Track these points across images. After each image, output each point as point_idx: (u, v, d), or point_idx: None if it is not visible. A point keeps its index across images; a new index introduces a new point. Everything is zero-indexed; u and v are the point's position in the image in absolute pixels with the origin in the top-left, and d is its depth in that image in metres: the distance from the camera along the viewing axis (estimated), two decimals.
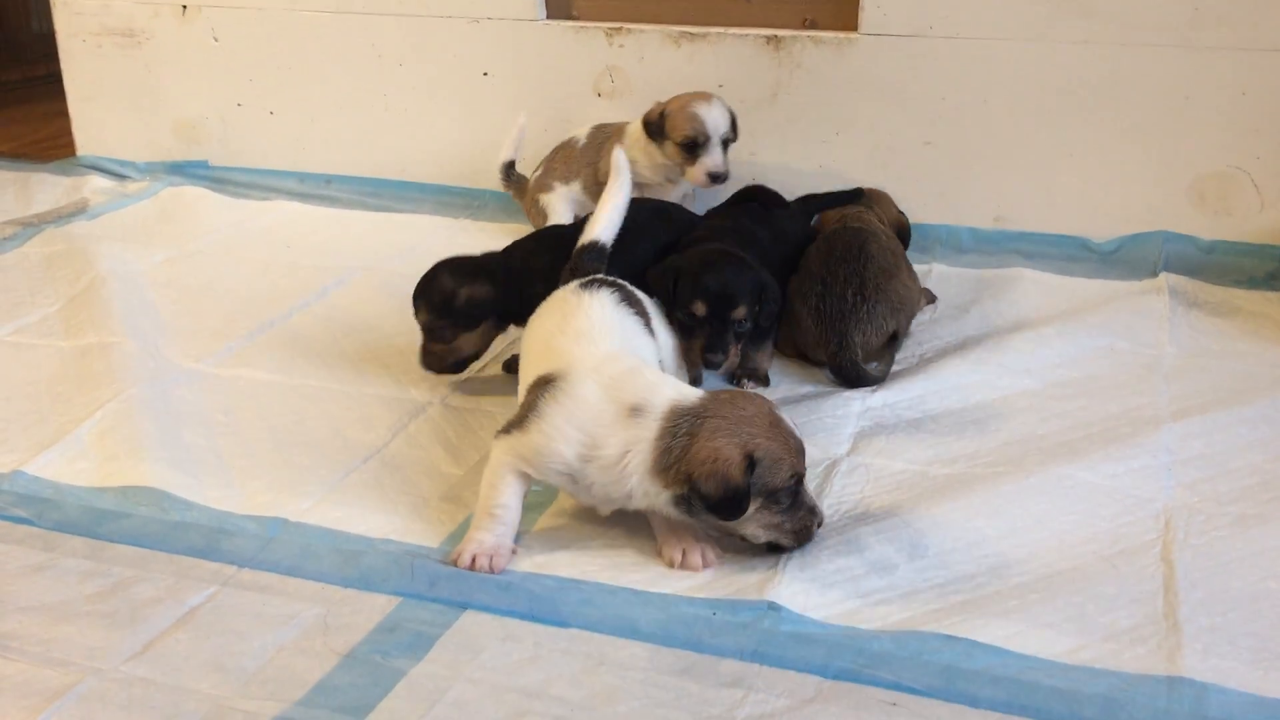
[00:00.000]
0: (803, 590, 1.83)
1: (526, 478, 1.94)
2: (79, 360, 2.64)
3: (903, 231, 2.98)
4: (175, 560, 1.96)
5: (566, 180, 3.29)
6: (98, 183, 3.95)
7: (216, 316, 2.89)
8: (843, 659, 1.69)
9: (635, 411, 1.85)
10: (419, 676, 1.68)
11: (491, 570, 1.88)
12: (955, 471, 2.18)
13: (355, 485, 2.16)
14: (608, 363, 1.95)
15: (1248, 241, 3.13)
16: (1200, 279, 3.01)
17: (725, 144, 3.08)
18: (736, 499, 1.80)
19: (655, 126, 3.12)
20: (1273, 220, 3.10)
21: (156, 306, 2.95)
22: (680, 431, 1.82)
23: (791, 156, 3.38)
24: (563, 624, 1.78)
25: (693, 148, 3.06)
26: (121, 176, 4.01)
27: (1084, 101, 3.15)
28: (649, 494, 1.86)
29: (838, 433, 2.32)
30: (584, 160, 3.29)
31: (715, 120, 3.05)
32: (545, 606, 1.80)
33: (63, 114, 4.22)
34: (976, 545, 1.95)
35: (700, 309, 2.35)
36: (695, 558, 1.90)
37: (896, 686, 1.65)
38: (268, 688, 1.66)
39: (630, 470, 1.84)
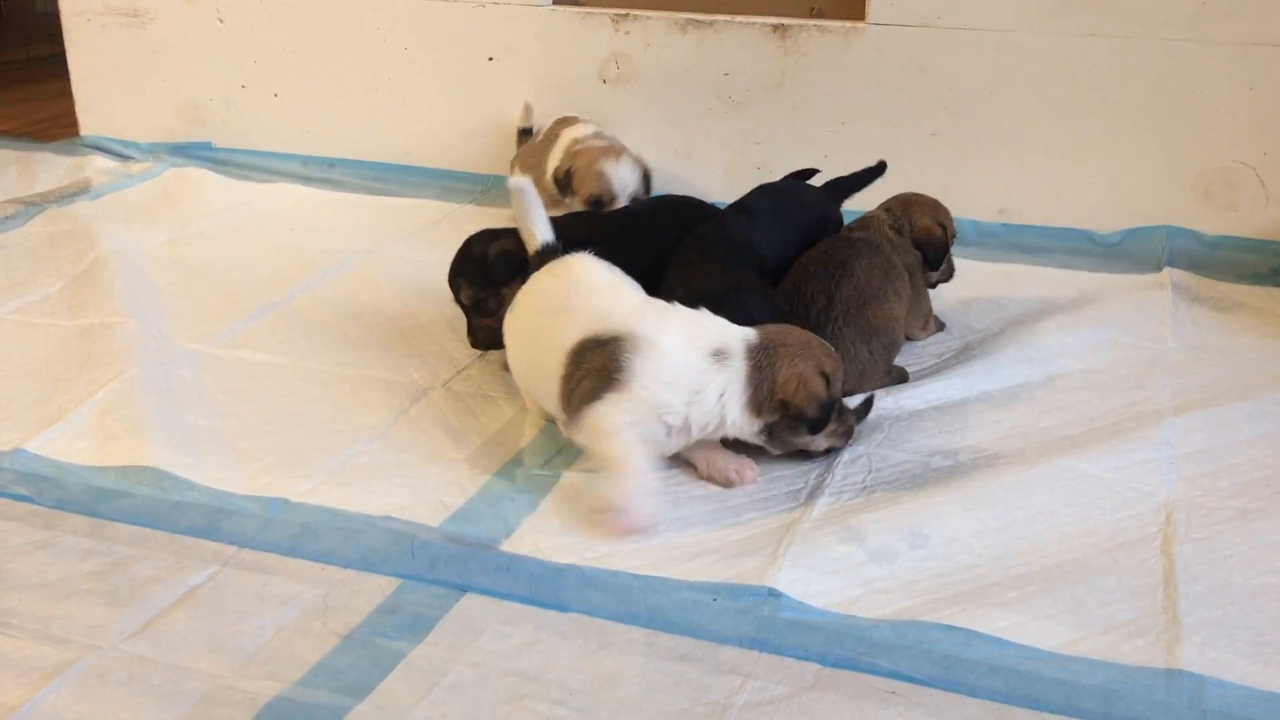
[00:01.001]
0: (803, 577, 1.83)
1: (639, 434, 1.99)
2: (81, 340, 2.64)
3: (929, 246, 2.62)
4: (175, 540, 1.96)
5: (525, 172, 3.18)
6: (101, 163, 3.94)
7: (218, 298, 2.89)
8: (842, 647, 1.69)
9: (719, 355, 2.01)
10: (418, 659, 1.68)
11: (636, 532, 1.96)
12: (957, 463, 2.18)
13: (356, 467, 2.16)
14: (663, 312, 2.07)
15: (1252, 237, 3.13)
16: (1204, 274, 3.01)
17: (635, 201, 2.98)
18: (828, 411, 2.05)
19: (563, 184, 3.03)
20: (1278, 216, 3.10)
21: (158, 287, 2.95)
22: (762, 366, 2.01)
23: (796, 146, 3.37)
24: (562, 608, 1.78)
25: (599, 206, 2.96)
26: (124, 157, 4.00)
27: (1090, 94, 3.14)
28: (742, 427, 2.04)
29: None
30: (540, 155, 3.23)
31: (623, 179, 2.96)
32: (545, 589, 1.81)
33: (66, 94, 4.21)
34: (977, 536, 1.95)
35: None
36: (748, 472, 2.08)
37: (895, 675, 1.65)
38: (267, 668, 1.66)
39: (728, 409, 2.01)
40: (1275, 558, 1.89)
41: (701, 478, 2.12)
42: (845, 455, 2.20)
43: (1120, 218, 3.21)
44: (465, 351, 2.60)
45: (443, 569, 1.85)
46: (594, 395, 1.98)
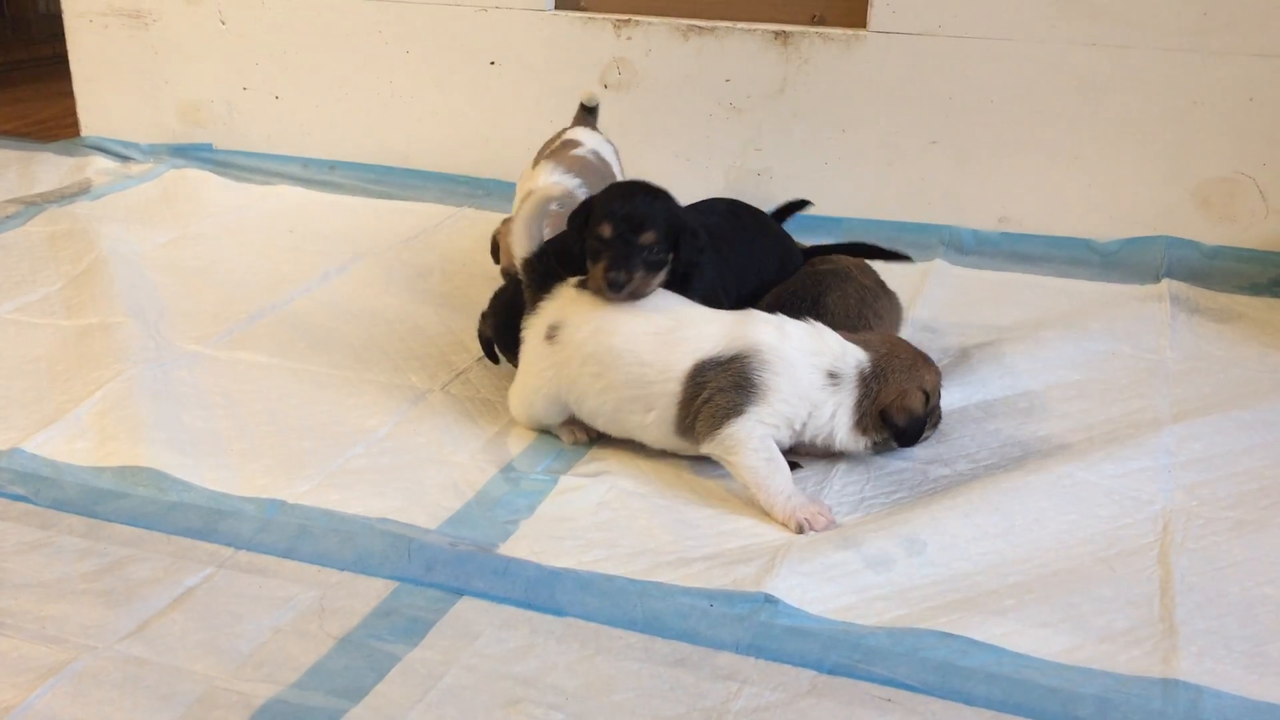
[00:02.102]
0: (800, 584, 1.83)
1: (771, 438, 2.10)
2: (79, 340, 2.64)
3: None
4: (172, 541, 1.95)
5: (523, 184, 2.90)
6: (101, 163, 3.95)
7: (217, 299, 2.89)
8: (838, 654, 1.69)
9: (833, 377, 2.12)
10: (414, 662, 1.68)
11: (831, 522, 2.02)
12: (955, 471, 2.18)
13: (354, 469, 2.16)
14: (778, 326, 2.14)
15: (1251, 248, 3.13)
16: (1203, 284, 3.01)
17: None
18: (919, 427, 2.16)
19: (493, 250, 2.82)
20: (1277, 227, 3.11)
21: (158, 288, 2.95)
22: (871, 389, 2.13)
23: (797, 152, 3.38)
24: (559, 612, 1.78)
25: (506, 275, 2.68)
26: (125, 158, 4.01)
27: (1091, 103, 3.15)
28: (849, 444, 2.15)
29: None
30: (527, 179, 2.89)
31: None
32: (542, 593, 1.80)
33: (68, 94, 4.22)
34: (974, 543, 1.94)
35: (606, 230, 2.18)
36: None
37: (891, 682, 1.65)
38: (263, 670, 1.66)
39: (837, 428, 2.13)
40: (1272, 568, 1.89)
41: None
42: (843, 464, 2.20)
43: (1119, 227, 3.21)
44: (464, 356, 2.60)
45: (439, 572, 1.85)
46: (733, 410, 2.06)
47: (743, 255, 2.46)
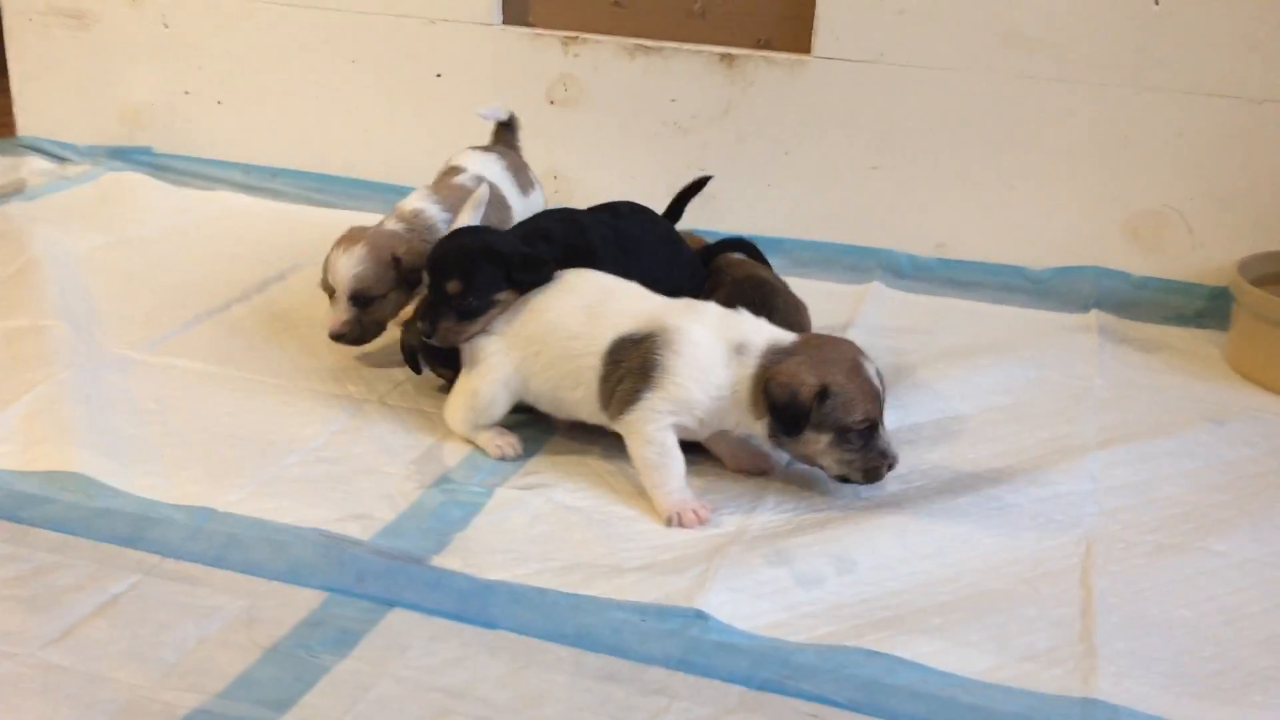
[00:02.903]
0: (731, 600, 1.85)
1: (677, 429, 2.10)
2: (9, 343, 2.59)
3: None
4: (98, 548, 1.93)
5: None
6: (37, 164, 3.87)
7: (152, 304, 2.86)
8: (767, 670, 1.71)
9: (739, 350, 2.07)
10: (343, 673, 1.67)
11: (703, 521, 2.05)
12: (886, 492, 2.20)
13: (288, 479, 2.14)
14: (697, 307, 2.13)
15: (1178, 279, 3.21)
16: (1131, 315, 3.08)
17: (364, 301, 2.52)
18: (796, 413, 2.01)
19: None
20: (1203, 260, 3.19)
21: (91, 291, 2.91)
22: (772, 365, 2.04)
23: (740, 173, 3.41)
24: (490, 625, 1.78)
25: (329, 293, 2.57)
26: (62, 159, 3.94)
27: (1027, 135, 3.22)
28: (745, 424, 2.10)
29: (773, 451, 2.33)
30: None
31: (340, 272, 2.52)
32: (474, 606, 1.80)
33: (4, 93, 4.15)
34: (904, 563, 1.97)
35: (425, 280, 2.32)
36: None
37: (818, 699, 1.67)
38: (188, 679, 1.64)
39: (737, 402, 2.07)
40: (1190, 592, 1.94)
41: (730, 470, 2.23)
42: (777, 482, 2.22)
43: (1052, 255, 3.28)
44: (403, 366, 2.59)
45: (371, 583, 1.84)
46: (634, 397, 2.07)
47: (652, 259, 2.46)
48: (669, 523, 2.05)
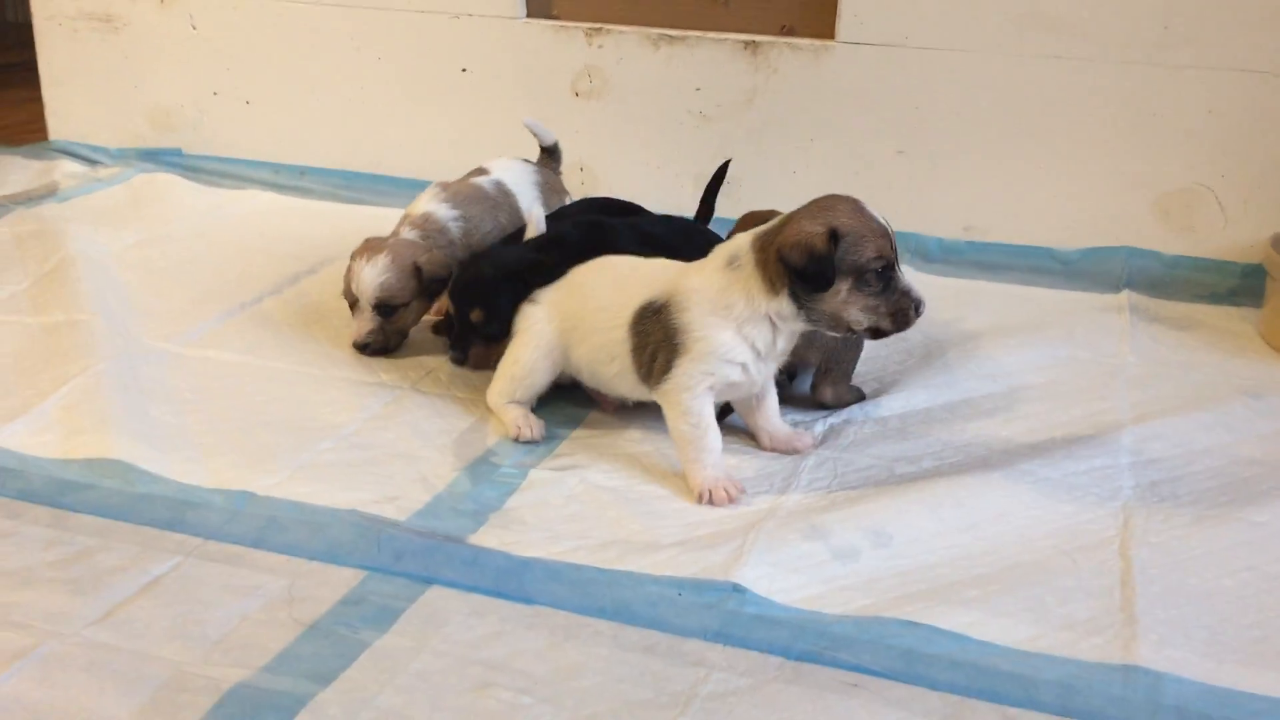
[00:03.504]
0: (767, 574, 1.85)
1: (712, 394, 2.09)
2: (47, 336, 2.62)
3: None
4: (139, 531, 1.95)
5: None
6: (69, 167, 3.93)
7: (186, 298, 2.88)
8: (805, 641, 1.71)
9: (732, 261, 2.04)
10: (383, 648, 1.68)
11: (734, 500, 2.05)
12: (920, 468, 2.20)
13: (323, 463, 2.16)
14: (700, 262, 2.12)
15: (1210, 257, 3.19)
16: (1163, 294, 3.07)
17: (388, 311, 2.57)
18: (822, 266, 1.96)
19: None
20: (1235, 237, 3.16)
21: (126, 287, 2.94)
22: (769, 243, 2.02)
23: (766, 161, 3.42)
24: (528, 600, 1.79)
25: (352, 304, 2.63)
26: (93, 161, 3.99)
27: (1054, 115, 3.20)
28: (781, 314, 2.04)
29: (807, 429, 2.34)
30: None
31: (364, 282, 2.56)
32: (511, 583, 1.81)
33: (36, 100, 4.20)
34: (939, 536, 1.97)
35: (450, 308, 2.44)
36: (807, 438, 2.22)
37: (857, 668, 1.67)
38: (231, 655, 1.65)
39: (756, 302, 2.03)
40: (1230, 561, 1.93)
41: (766, 449, 2.25)
42: (811, 459, 2.22)
43: (1081, 236, 3.26)
44: (434, 354, 2.61)
45: (409, 561, 1.85)
46: (668, 367, 2.08)
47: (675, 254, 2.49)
48: (700, 499, 2.06)
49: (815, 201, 2.06)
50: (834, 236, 1.97)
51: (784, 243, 1.98)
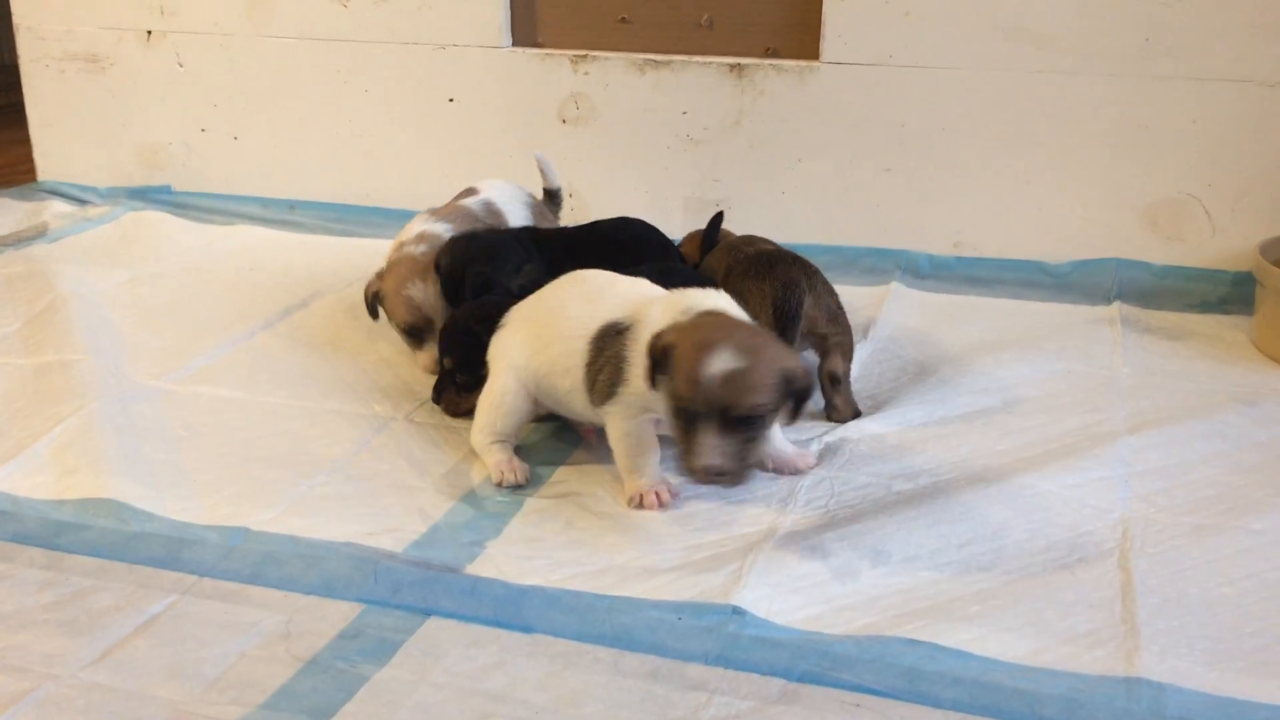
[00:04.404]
0: (767, 595, 1.84)
1: (650, 419, 2.09)
2: (38, 377, 2.62)
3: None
4: (135, 570, 1.94)
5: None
6: (58, 207, 3.92)
7: (178, 335, 2.88)
8: (807, 662, 1.70)
9: (685, 312, 2.01)
10: (382, 681, 1.67)
11: (664, 505, 2.09)
12: (918, 485, 2.20)
13: (318, 497, 2.15)
14: (678, 295, 2.08)
15: (1200, 267, 3.20)
16: (1154, 304, 3.07)
17: None
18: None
19: (371, 307, 2.67)
20: (1224, 245, 3.18)
21: (117, 325, 2.93)
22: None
23: (755, 183, 3.43)
24: (527, 629, 1.78)
25: (417, 335, 2.63)
26: (83, 201, 3.99)
27: (1040, 129, 3.22)
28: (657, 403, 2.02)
29: (803, 449, 2.33)
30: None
31: (434, 302, 2.59)
32: (510, 611, 1.80)
33: (24, 141, 4.21)
34: (939, 553, 1.96)
35: (447, 363, 2.46)
36: (809, 457, 2.23)
37: (860, 688, 1.66)
38: (229, 693, 1.64)
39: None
40: (1230, 570, 1.93)
41: (768, 470, 2.23)
42: (808, 479, 2.22)
43: (1072, 249, 3.27)
44: (427, 383, 2.60)
45: (406, 593, 1.84)
46: (609, 391, 2.06)
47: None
48: (630, 502, 2.10)
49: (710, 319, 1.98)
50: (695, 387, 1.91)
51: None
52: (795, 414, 1.99)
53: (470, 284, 2.53)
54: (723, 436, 1.87)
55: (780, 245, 2.72)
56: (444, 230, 2.76)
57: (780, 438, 2.25)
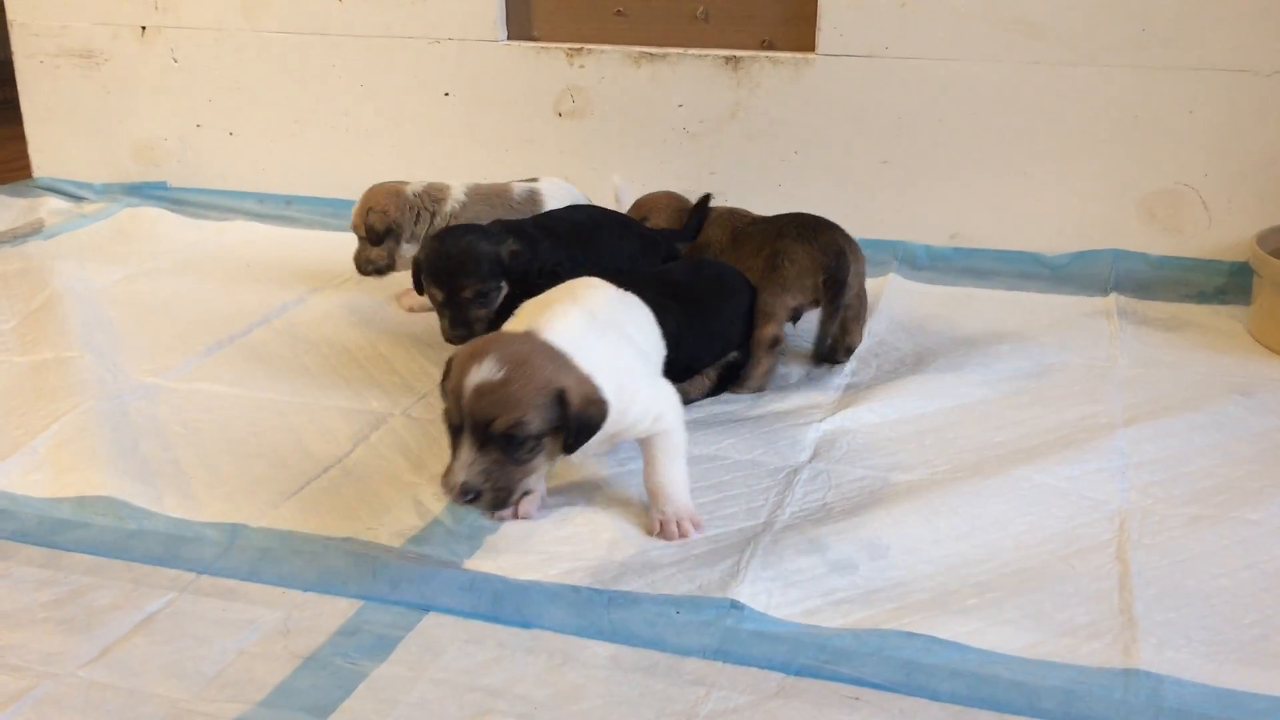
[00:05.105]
0: (765, 589, 1.84)
1: None
2: (34, 375, 2.61)
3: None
4: (133, 568, 1.93)
5: None
6: (54, 204, 3.92)
7: (174, 332, 2.88)
8: (805, 656, 1.70)
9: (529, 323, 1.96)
10: (381, 678, 1.67)
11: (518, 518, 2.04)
12: (915, 478, 2.20)
13: (316, 493, 2.15)
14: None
15: (1197, 257, 3.20)
16: (1151, 295, 3.07)
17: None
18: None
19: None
20: (1220, 236, 3.18)
21: (114, 322, 2.93)
22: None
23: (751, 175, 3.42)
24: (526, 624, 1.78)
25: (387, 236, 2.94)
26: (78, 198, 3.99)
27: (1036, 120, 3.21)
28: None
29: (799, 441, 2.34)
30: None
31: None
32: (508, 607, 1.80)
33: (18, 138, 4.20)
34: (936, 545, 1.97)
35: (437, 294, 2.50)
36: (686, 525, 2.03)
37: (858, 681, 1.66)
38: (227, 690, 1.64)
39: None
40: (1227, 561, 1.93)
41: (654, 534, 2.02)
42: (806, 472, 2.22)
43: (1068, 240, 3.27)
44: (424, 379, 2.60)
45: (405, 589, 1.84)
46: None
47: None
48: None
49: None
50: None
51: None
52: (570, 444, 1.83)
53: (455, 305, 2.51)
54: (478, 453, 1.76)
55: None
56: (458, 198, 2.98)
57: (682, 488, 2.02)
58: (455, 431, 1.80)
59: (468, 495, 1.76)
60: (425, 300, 2.63)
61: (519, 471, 1.80)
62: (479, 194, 3.01)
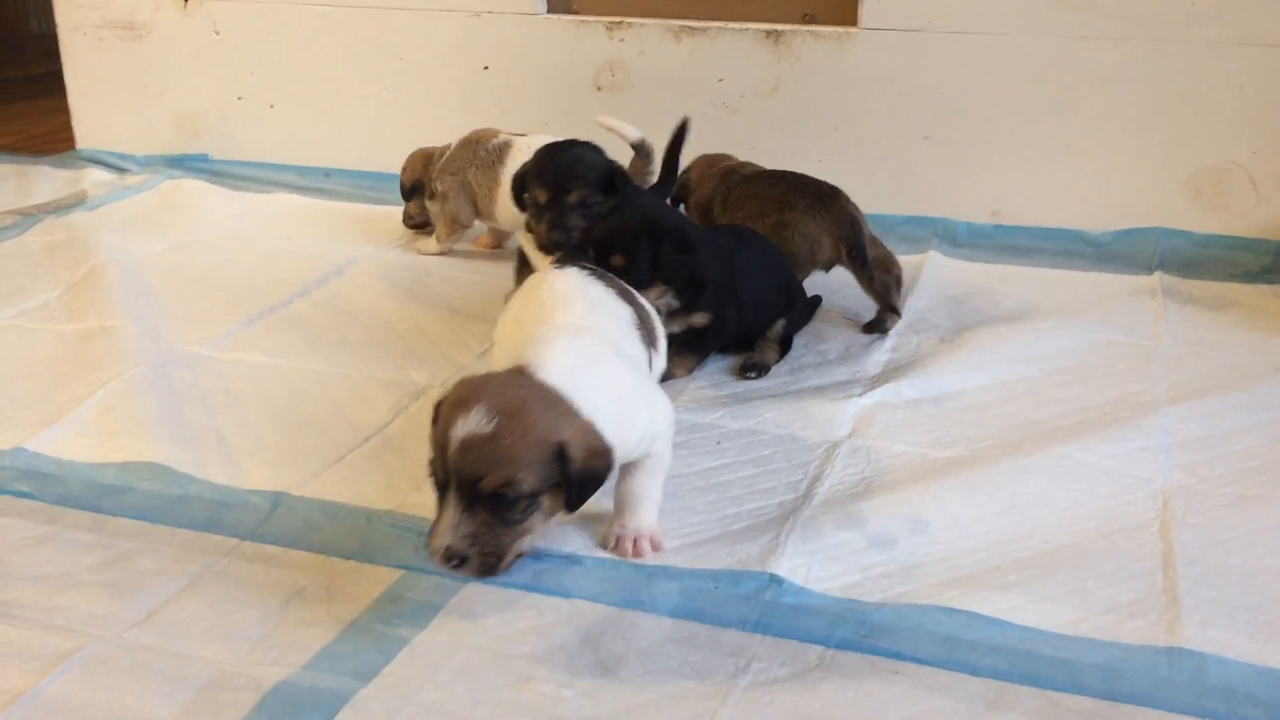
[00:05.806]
0: (804, 563, 1.84)
1: None
2: (80, 343, 2.64)
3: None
4: (177, 533, 1.96)
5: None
6: (97, 175, 3.96)
7: (217, 302, 2.90)
8: (844, 629, 1.70)
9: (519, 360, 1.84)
10: (423, 644, 1.68)
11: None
12: (955, 454, 2.19)
13: (357, 462, 2.17)
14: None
15: (1243, 235, 3.16)
16: (1196, 274, 3.04)
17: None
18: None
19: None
20: (1268, 214, 3.13)
21: (157, 292, 2.96)
22: None
23: (791, 150, 3.40)
24: (565, 595, 1.78)
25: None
26: (121, 169, 4.02)
27: (1081, 96, 3.18)
28: None
29: (839, 416, 2.33)
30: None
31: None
32: (548, 579, 1.81)
33: (62, 110, 4.23)
34: (976, 521, 1.96)
35: (541, 196, 2.52)
36: (644, 543, 1.89)
37: (898, 656, 1.66)
38: (271, 654, 1.66)
39: None
40: (1272, 541, 1.91)
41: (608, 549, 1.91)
42: (844, 447, 2.21)
43: (1112, 218, 3.24)
44: (464, 353, 2.61)
45: None
46: None
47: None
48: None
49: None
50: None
51: None
52: (573, 502, 1.68)
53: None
54: (465, 514, 1.62)
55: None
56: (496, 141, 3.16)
57: (652, 506, 1.90)
58: (441, 488, 1.65)
59: (452, 561, 1.63)
60: (436, 244, 2.96)
61: (509, 534, 1.65)
62: (463, 140, 3.18)
